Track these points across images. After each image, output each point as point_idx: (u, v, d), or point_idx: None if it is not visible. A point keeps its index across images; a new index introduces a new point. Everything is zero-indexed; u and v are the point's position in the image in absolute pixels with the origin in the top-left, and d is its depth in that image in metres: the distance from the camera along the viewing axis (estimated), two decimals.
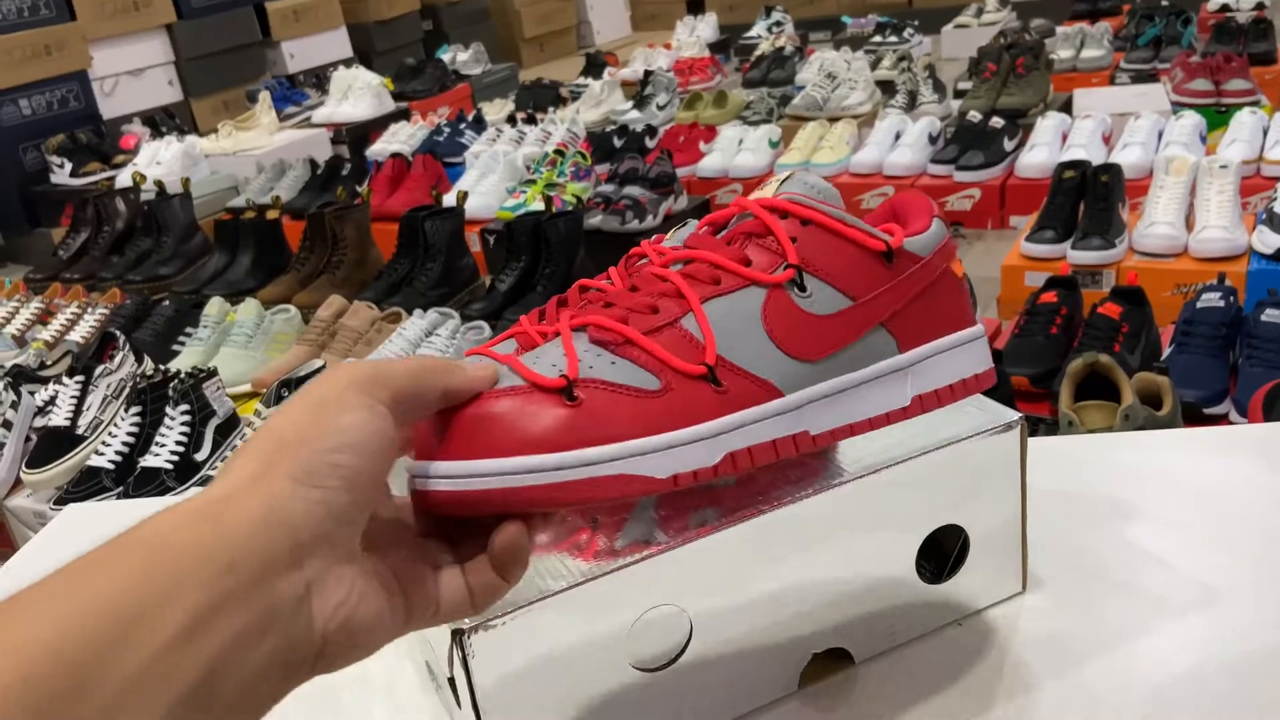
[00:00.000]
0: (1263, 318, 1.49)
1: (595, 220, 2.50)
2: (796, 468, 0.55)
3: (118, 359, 1.76)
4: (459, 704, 0.50)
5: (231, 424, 1.68)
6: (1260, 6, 3.57)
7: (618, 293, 0.46)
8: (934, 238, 0.50)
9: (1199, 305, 1.57)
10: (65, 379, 1.74)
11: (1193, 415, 1.44)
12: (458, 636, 0.44)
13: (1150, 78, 3.24)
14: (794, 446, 0.45)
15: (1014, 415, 0.59)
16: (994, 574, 0.61)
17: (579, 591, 0.46)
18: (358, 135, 3.80)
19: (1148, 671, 0.56)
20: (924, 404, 0.50)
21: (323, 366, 1.65)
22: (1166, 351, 1.59)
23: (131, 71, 4.19)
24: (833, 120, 3.13)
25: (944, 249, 0.51)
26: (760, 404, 0.44)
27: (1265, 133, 2.38)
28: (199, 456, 1.61)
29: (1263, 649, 0.57)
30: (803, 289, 0.46)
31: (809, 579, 0.55)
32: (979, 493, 0.59)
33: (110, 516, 0.89)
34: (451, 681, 0.50)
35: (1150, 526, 0.68)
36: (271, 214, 2.53)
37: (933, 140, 2.84)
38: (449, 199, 2.74)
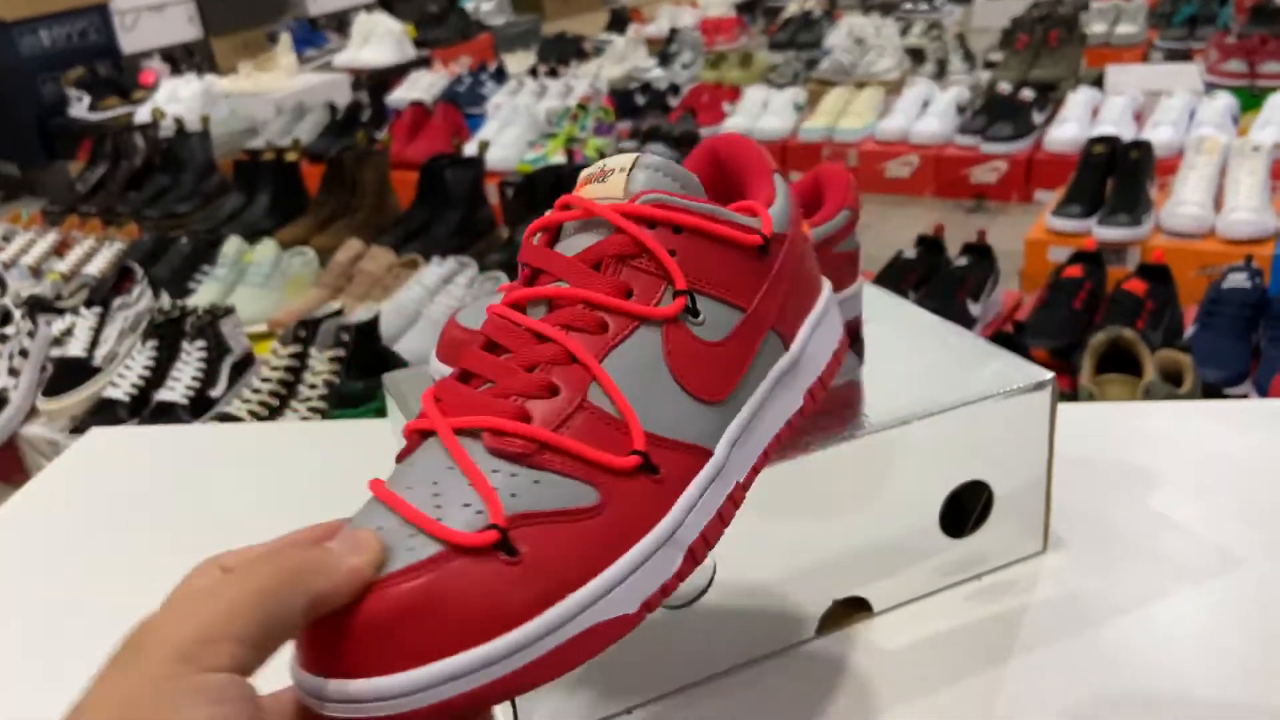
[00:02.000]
0: None
1: None
2: (825, 416, 0.54)
3: (136, 292, 1.76)
4: None
5: (247, 362, 1.68)
6: None
7: (484, 359, 0.35)
8: (786, 206, 0.42)
9: (1224, 285, 1.55)
10: (83, 310, 1.74)
11: (1213, 395, 1.43)
12: None
13: (1184, 56, 3.19)
14: (733, 508, 0.37)
15: (1046, 374, 0.58)
16: (1016, 532, 0.61)
17: None
18: (378, 81, 3.76)
19: (1166, 635, 0.56)
20: (814, 396, 0.43)
21: (340, 310, 1.65)
22: (1189, 331, 1.58)
23: (152, 7, 4.15)
24: (860, 86, 3.09)
25: (796, 215, 0.43)
26: (695, 475, 0.35)
27: None
28: (214, 393, 1.61)
29: None
30: (695, 315, 0.37)
31: (833, 527, 0.54)
32: (1006, 450, 0.59)
33: (130, 442, 0.89)
34: None
35: (1173, 494, 0.68)
36: (291, 156, 2.52)
37: (961, 110, 2.81)
38: (469, 149, 2.72)
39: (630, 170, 0.37)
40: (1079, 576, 0.61)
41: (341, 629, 0.29)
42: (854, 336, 0.65)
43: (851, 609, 0.56)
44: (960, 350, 0.62)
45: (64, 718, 0.25)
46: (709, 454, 0.36)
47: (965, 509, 0.60)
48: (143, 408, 1.58)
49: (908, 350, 0.63)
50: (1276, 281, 1.67)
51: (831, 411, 0.54)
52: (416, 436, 0.34)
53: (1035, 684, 0.53)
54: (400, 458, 0.35)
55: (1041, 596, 0.60)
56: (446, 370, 0.59)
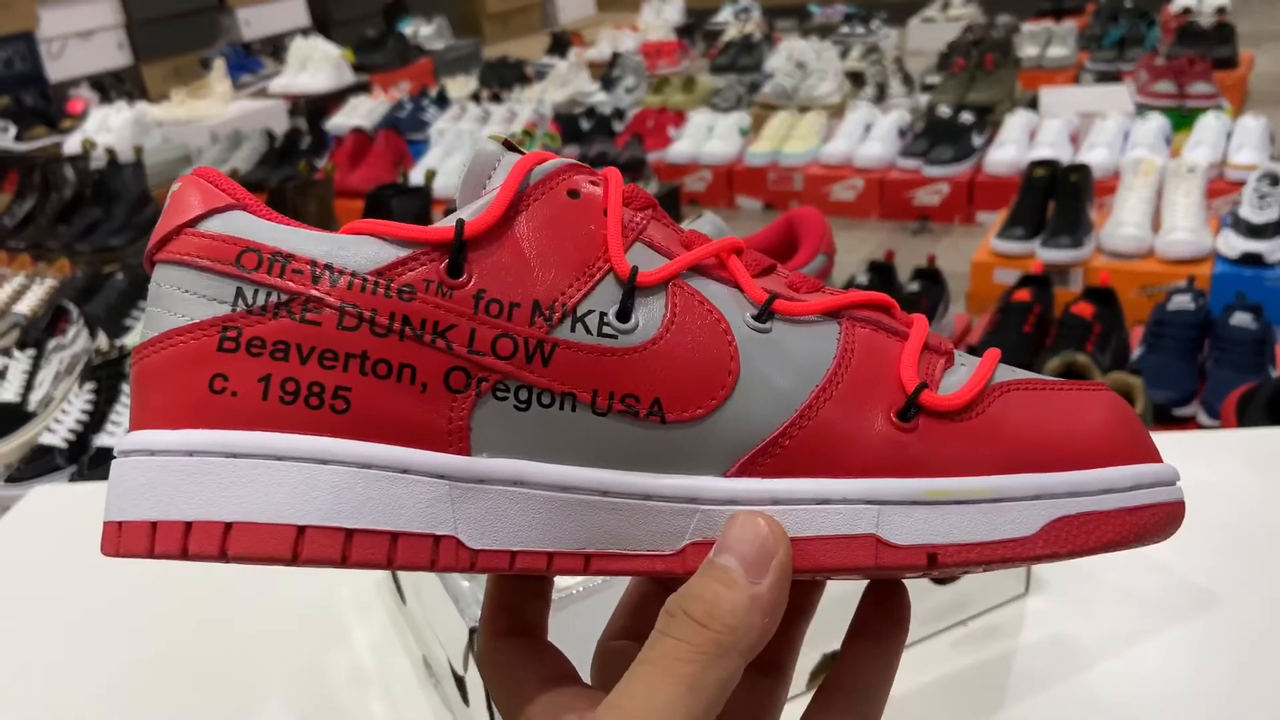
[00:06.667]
0: (1232, 321, 1.52)
1: None
2: None
3: (71, 333, 1.70)
4: (466, 702, 0.48)
5: None
6: (1221, 10, 3.63)
7: None
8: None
9: (1170, 307, 1.59)
10: (16, 352, 1.67)
11: (1162, 416, 1.46)
12: (475, 634, 0.43)
13: (1114, 78, 3.28)
14: None
15: None
16: (999, 576, 0.61)
17: (598, 594, 0.45)
18: (316, 107, 3.71)
19: (1149, 673, 0.56)
20: None
21: None
22: (1136, 352, 1.61)
23: (79, 33, 4.05)
24: (802, 110, 3.13)
25: None
26: None
27: (1229, 136, 2.42)
28: None
29: (1261, 650, 0.57)
30: None
31: None
32: None
33: (76, 500, 0.85)
34: (459, 680, 0.48)
35: None
36: None
37: (902, 134, 2.85)
38: (415, 176, 2.69)
39: None
40: (1061, 618, 0.61)
41: None
42: None
43: None
44: None
45: None
46: None
47: None
48: (81, 454, 1.52)
49: None
50: (1218, 302, 1.71)
51: None
52: None
53: None
54: None
55: (1026, 639, 0.59)
56: None
